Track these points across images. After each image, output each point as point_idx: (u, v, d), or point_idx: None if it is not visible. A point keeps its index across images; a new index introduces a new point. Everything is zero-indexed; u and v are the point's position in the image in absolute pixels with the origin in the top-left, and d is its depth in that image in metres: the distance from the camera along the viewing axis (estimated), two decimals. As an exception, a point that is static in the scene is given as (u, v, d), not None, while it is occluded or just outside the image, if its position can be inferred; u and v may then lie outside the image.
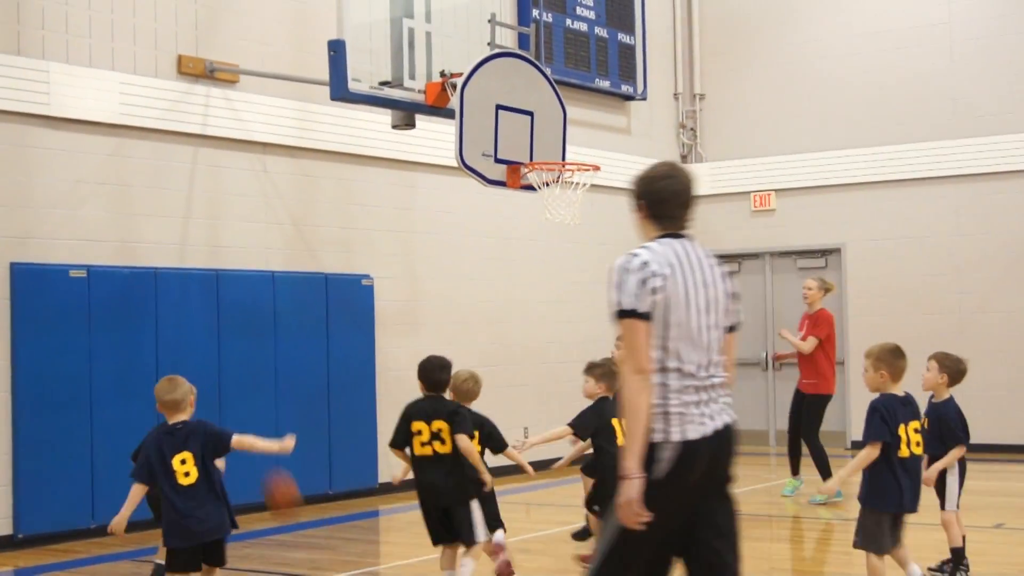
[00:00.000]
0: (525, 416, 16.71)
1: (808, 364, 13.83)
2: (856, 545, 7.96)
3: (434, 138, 14.56)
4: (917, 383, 8.84)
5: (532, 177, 12.19)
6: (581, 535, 10.69)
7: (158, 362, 12.42)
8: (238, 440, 7.89)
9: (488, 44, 12.37)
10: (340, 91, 11.32)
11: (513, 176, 12.13)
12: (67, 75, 11.97)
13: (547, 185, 12.28)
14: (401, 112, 12.21)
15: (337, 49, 11.22)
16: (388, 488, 14.52)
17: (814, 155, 19.21)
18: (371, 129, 14.42)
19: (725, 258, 19.91)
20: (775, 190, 19.56)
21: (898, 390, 7.95)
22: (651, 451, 5.22)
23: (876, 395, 7.98)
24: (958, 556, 8.96)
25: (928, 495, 8.53)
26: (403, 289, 15.20)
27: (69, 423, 11.76)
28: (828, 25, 19.34)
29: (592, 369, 9.76)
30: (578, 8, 17.87)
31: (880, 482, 7.82)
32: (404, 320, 15.14)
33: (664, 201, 5.49)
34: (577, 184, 12.46)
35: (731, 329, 5.57)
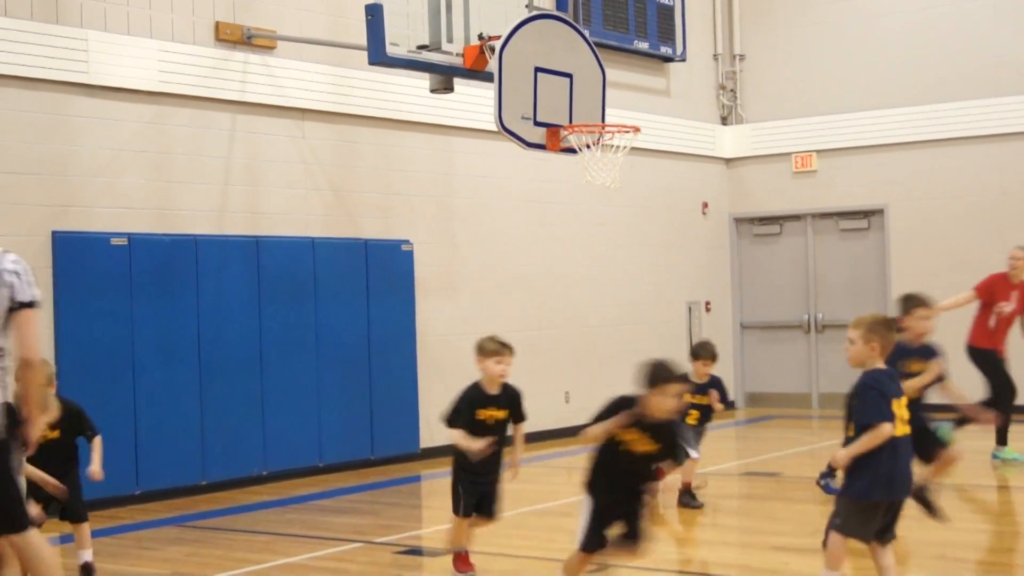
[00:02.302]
0: (565, 380, 16.70)
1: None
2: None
3: (473, 102, 14.49)
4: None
5: (572, 140, 12.12)
6: None
7: (199, 329, 12.47)
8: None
9: (526, 6, 12.31)
10: (378, 56, 11.27)
11: (552, 139, 12.06)
12: (105, 43, 11.97)
13: (587, 148, 12.20)
14: (439, 76, 12.16)
15: (374, 13, 11.17)
16: (430, 453, 14.55)
17: (856, 115, 19.01)
18: (409, 94, 14.37)
19: (766, 220, 19.80)
20: (817, 151, 19.38)
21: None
22: None
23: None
24: None
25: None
26: (443, 254, 15.18)
27: (112, 391, 11.81)
28: (869, -17, 19.13)
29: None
30: (616, -31, 17.72)
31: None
32: (444, 285, 15.13)
33: None
34: (617, 146, 12.38)
35: (20, 307, 6.28)
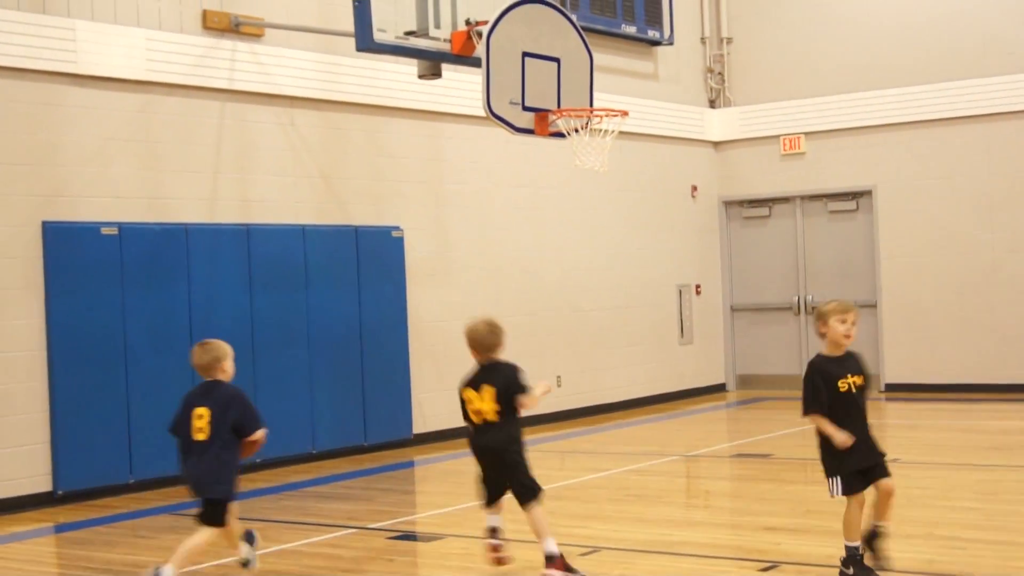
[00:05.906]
0: (557, 364, 16.74)
1: None
2: None
3: (461, 87, 14.51)
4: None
5: (560, 124, 12.14)
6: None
7: (191, 317, 12.49)
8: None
9: (513, -9, 12.29)
10: (365, 42, 11.28)
11: (541, 124, 12.07)
12: (93, 32, 11.96)
13: (576, 132, 12.22)
14: (427, 62, 12.17)
15: None
16: (423, 439, 14.59)
17: (843, 97, 19.05)
18: (398, 80, 14.38)
19: (755, 203, 19.84)
20: (805, 133, 19.41)
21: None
22: None
23: None
24: None
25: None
26: (433, 240, 15.20)
27: (104, 380, 11.84)
28: (856, -36, 19.14)
29: None
30: (603, -47, 17.72)
31: None
32: (435, 271, 15.15)
33: None
34: (606, 131, 12.40)
35: None
